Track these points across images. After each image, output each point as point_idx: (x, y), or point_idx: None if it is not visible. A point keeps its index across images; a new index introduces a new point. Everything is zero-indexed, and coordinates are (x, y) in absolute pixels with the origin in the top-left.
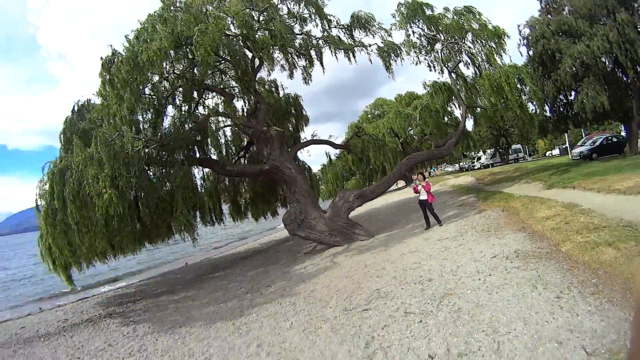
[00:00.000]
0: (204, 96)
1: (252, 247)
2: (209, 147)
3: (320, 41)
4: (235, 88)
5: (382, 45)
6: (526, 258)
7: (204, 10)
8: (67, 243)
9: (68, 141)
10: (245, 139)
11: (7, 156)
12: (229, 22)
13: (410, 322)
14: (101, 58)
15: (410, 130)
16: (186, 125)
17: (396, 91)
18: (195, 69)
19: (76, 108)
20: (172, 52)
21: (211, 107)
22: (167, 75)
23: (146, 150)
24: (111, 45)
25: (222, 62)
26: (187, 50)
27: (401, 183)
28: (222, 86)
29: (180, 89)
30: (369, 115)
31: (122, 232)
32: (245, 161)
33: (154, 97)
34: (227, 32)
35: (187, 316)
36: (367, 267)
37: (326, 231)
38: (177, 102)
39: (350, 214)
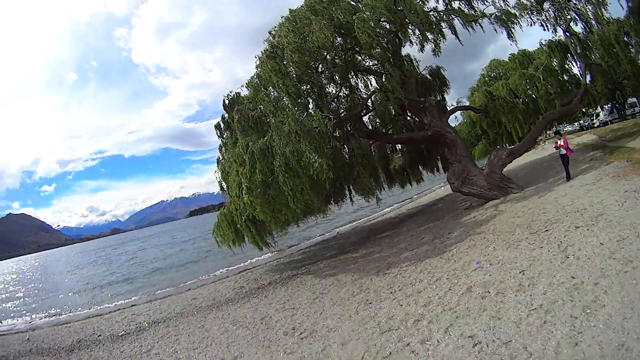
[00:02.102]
0: (351, 75)
1: (400, 212)
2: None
3: (445, 15)
4: (374, 66)
5: (499, 13)
6: None
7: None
8: (271, 210)
9: (240, 126)
10: (392, 110)
11: (125, 164)
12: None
13: (581, 231)
14: (264, 51)
15: (529, 90)
16: (332, 103)
17: (504, 49)
18: (348, 52)
19: (227, 101)
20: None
21: (352, 85)
22: (325, 59)
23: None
24: (268, 40)
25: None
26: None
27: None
28: (358, 65)
29: (336, 69)
30: (486, 78)
31: (321, 196)
32: (395, 130)
33: (315, 80)
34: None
35: (387, 263)
36: (531, 209)
37: (485, 186)
38: (323, 82)
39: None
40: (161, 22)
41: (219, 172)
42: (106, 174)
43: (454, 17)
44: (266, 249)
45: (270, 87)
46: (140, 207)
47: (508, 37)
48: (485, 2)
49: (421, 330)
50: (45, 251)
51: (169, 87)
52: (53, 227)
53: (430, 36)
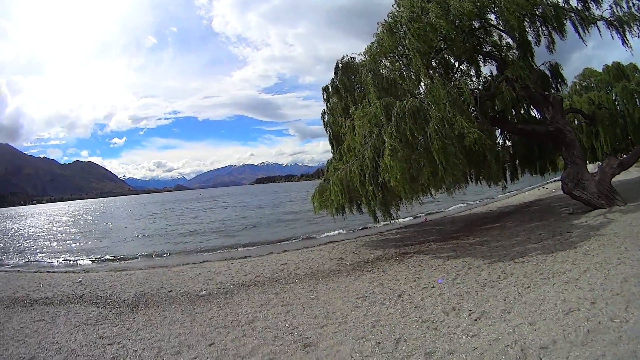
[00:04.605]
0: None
1: (490, 209)
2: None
3: (563, 12)
4: (493, 52)
5: (612, 19)
6: None
7: None
8: (409, 177)
9: (374, 85)
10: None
11: (198, 126)
12: None
13: None
14: (405, 11)
15: (619, 106)
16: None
17: (589, 59)
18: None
19: (340, 65)
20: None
21: (478, 67)
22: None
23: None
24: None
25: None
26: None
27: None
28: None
29: (462, 48)
30: (577, 87)
31: (462, 169)
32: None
33: (447, 52)
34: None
35: (515, 251)
36: None
37: (595, 193)
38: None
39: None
40: None
41: (329, 134)
42: (178, 133)
43: (573, 15)
44: (383, 220)
45: (391, 55)
46: (207, 169)
47: (623, 44)
48: (600, 7)
49: (603, 310)
50: (107, 198)
51: (248, 57)
52: (118, 177)
53: (547, 30)
